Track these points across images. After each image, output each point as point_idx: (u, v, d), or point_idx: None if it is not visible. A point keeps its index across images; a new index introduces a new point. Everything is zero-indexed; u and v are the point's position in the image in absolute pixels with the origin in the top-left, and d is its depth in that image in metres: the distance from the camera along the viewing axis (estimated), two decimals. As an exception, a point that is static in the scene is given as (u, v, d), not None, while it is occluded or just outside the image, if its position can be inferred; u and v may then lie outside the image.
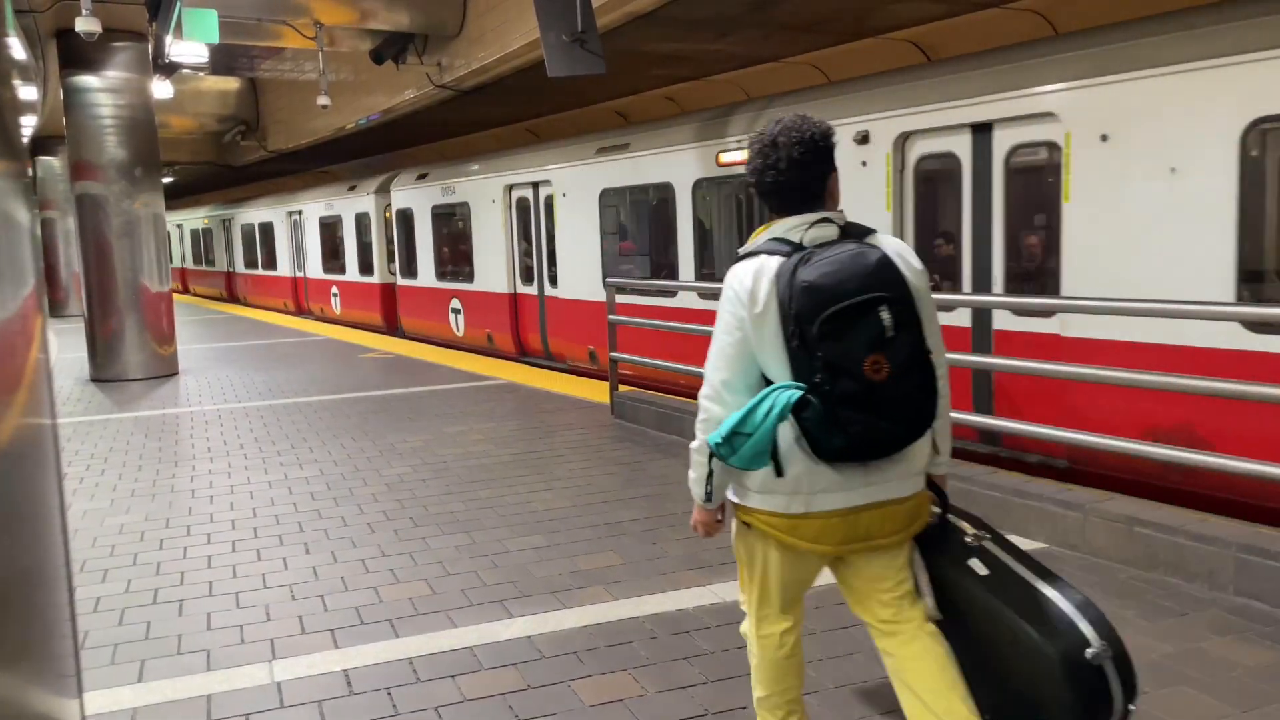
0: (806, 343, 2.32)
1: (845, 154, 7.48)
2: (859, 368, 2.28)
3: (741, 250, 2.54)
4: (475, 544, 5.10)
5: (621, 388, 8.44)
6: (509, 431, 7.89)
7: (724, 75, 13.08)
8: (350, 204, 18.94)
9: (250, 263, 26.31)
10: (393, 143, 20.82)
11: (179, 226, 33.85)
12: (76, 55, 11.47)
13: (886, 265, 2.35)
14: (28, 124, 19.69)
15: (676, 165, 10.04)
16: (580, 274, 11.76)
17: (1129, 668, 2.36)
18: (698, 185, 9.84)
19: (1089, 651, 2.31)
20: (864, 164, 7.65)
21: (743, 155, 7.57)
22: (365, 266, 18.56)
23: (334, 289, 20.22)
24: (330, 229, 20.11)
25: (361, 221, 18.53)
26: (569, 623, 4.04)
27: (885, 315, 2.30)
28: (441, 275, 15.37)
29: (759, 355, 2.43)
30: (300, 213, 21.80)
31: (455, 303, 14.91)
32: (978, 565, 2.48)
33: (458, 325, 14.83)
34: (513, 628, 4.01)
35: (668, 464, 6.66)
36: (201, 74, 18.43)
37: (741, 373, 2.45)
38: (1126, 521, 4.45)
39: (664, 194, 10.40)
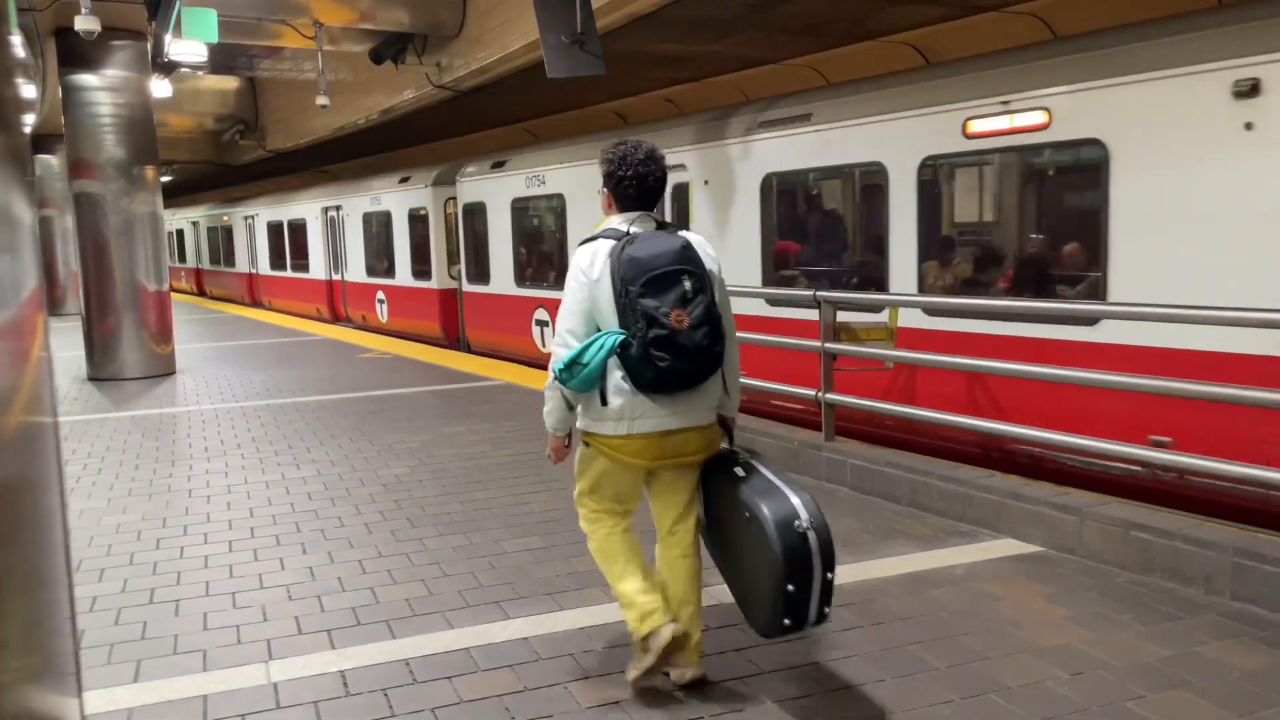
0: (630, 299, 3.16)
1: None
2: (666, 318, 3.13)
3: (584, 238, 3.41)
4: (472, 545, 5.10)
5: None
6: (507, 432, 7.89)
7: (723, 77, 13.10)
8: (402, 198, 16.34)
9: (277, 264, 23.47)
10: (393, 143, 20.82)
11: (194, 224, 31.15)
12: (75, 54, 11.46)
13: (688, 248, 3.27)
14: (26, 122, 19.67)
15: (891, 138, 7.45)
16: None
17: (829, 545, 3.11)
18: (927, 165, 7.23)
19: (797, 523, 3.08)
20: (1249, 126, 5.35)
21: (1004, 123, 6.62)
22: (421, 269, 15.97)
23: (380, 295, 17.51)
24: (376, 226, 17.49)
25: (416, 218, 15.99)
26: (566, 624, 4.03)
27: (687, 282, 3.19)
28: (524, 280, 12.91)
29: (595, 311, 3.27)
30: (339, 208, 19.07)
31: (542, 313, 12.27)
32: (739, 470, 3.32)
33: (546, 340, 12.23)
34: (509, 629, 4.00)
35: (665, 466, 6.65)
36: (200, 73, 18.43)
37: (582, 324, 3.29)
38: (1123, 525, 4.46)
39: (869, 178, 7.86)
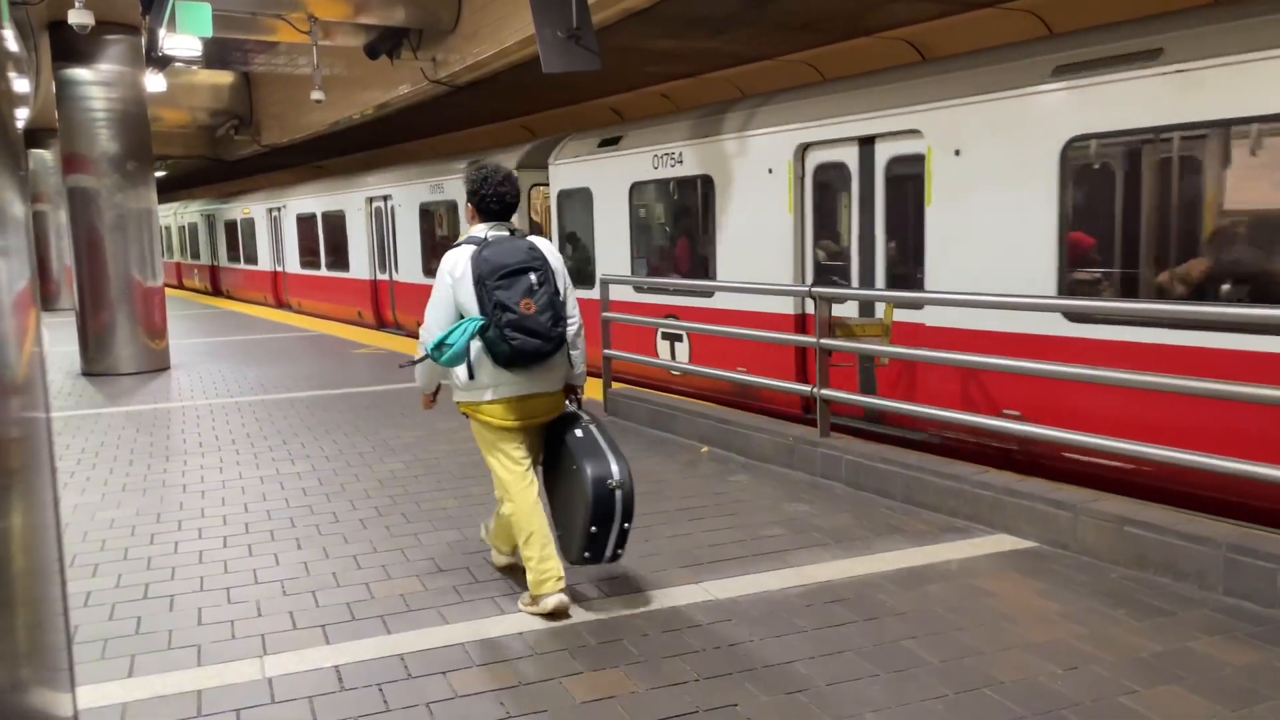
0: (487, 291, 3.93)
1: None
2: (517, 306, 3.91)
3: (454, 244, 4.18)
4: (467, 540, 5.10)
5: (614, 385, 8.44)
6: (502, 428, 7.88)
7: (719, 73, 13.10)
8: None
9: (308, 261, 20.85)
10: (388, 138, 20.78)
11: (209, 216, 28.50)
12: (69, 48, 11.41)
13: (534, 249, 4.05)
14: (20, 116, 19.62)
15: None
16: (979, 286, 6.75)
17: (631, 501, 4.00)
18: None
19: (609, 481, 3.95)
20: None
21: None
22: None
23: None
24: (439, 219, 15.23)
25: None
26: (560, 619, 4.04)
27: (532, 276, 3.97)
28: (649, 286, 9.96)
29: (460, 302, 4.05)
30: (387, 198, 16.67)
31: (672, 324, 8.55)
32: (579, 432, 4.16)
33: (678, 355, 9.65)
34: (504, 624, 4.01)
35: (660, 461, 6.66)
36: (195, 68, 18.39)
37: (444, 313, 4.08)
38: (1117, 521, 4.47)
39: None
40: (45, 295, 22.91)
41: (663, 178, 9.91)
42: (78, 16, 9.92)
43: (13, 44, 12.28)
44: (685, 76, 13.46)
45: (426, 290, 14.42)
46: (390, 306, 17.04)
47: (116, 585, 4.60)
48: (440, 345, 3.99)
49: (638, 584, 4.42)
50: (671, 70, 13.04)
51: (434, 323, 4.09)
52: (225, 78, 21.80)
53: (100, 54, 11.49)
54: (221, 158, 25.82)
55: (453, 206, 14.74)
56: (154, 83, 13.69)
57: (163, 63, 14.21)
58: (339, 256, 18.91)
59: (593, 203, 10.92)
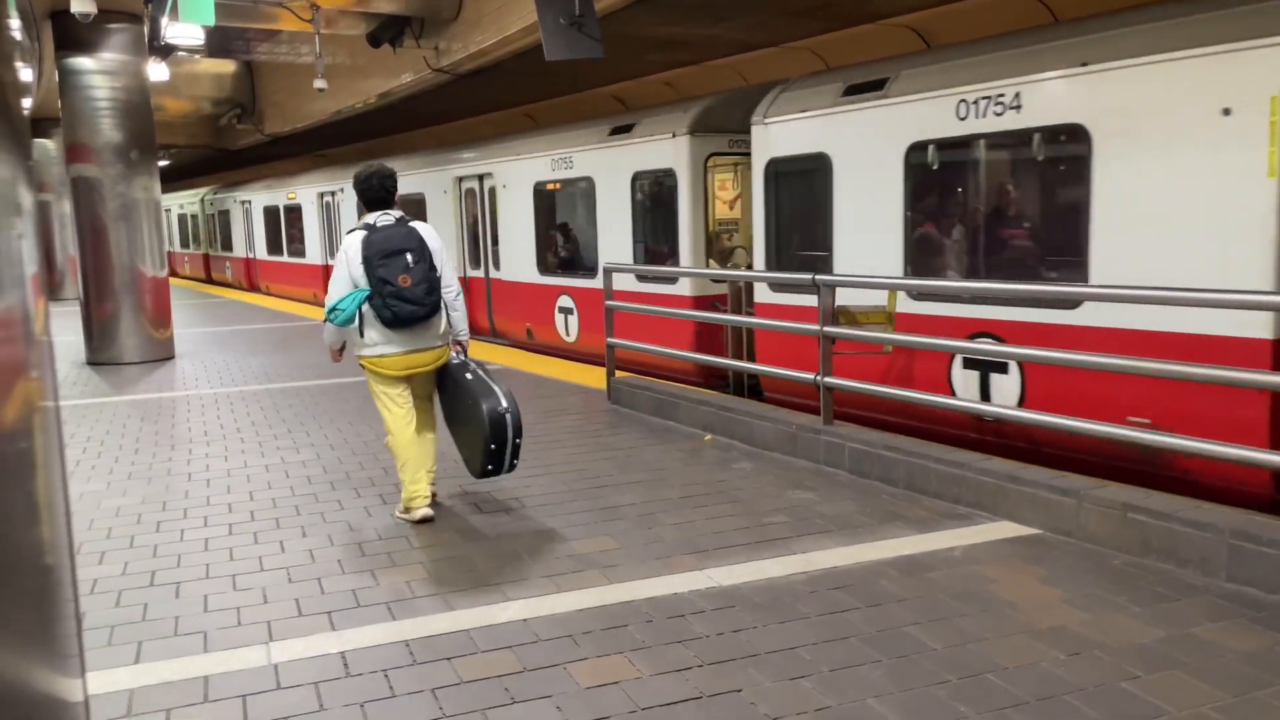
0: (374, 269, 4.92)
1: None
2: (396, 280, 4.90)
3: (349, 230, 5.17)
4: (472, 528, 5.12)
5: (618, 373, 8.45)
6: (505, 416, 7.89)
7: (723, 60, 13.06)
8: (621, 157, 10.59)
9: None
10: (391, 126, 20.75)
11: (244, 204, 24.69)
12: (72, 37, 11.39)
13: (412, 234, 5.04)
14: (25, 106, 19.61)
15: None
16: None
17: (519, 423, 5.05)
18: None
19: (500, 408, 4.97)
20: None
21: None
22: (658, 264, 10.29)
23: (563, 300, 11.82)
24: (565, 200, 12.06)
25: (646, 186, 10.45)
26: (565, 606, 4.05)
27: (409, 257, 4.95)
28: (970, 295, 6.67)
29: (353, 277, 5.01)
30: (482, 178, 13.42)
31: (990, 344, 6.35)
32: (469, 375, 5.20)
33: (1008, 393, 6.58)
34: (509, 611, 4.02)
35: (664, 449, 6.67)
36: (197, 56, 18.34)
37: (343, 286, 5.04)
38: (1121, 508, 4.47)
39: None
40: (50, 285, 22.95)
41: (974, 132, 6.69)
42: (80, 5, 9.90)
43: (17, 33, 12.27)
44: (689, 64, 13.42)
45: (545, 292, 11.96)
46: (490, 308, 13.60)
47: (123, 572, 4.62)
48: (333, 310, 5.01)
49: (642, 571, 4.43)
50: (674, 58, 13.00)
51: (334, 292, 5.07)
52: (228, 66, 21.76)
53: (103, 43, 11.48)
54: (225, 147, 25.81)
55: (586, 188, 11.27)
56: (157, 71, 13.66)
57: (165, 51, 14.19)
58: None
59: (831, 175, 7.75)
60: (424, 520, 5.15)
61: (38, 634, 1.18)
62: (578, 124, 11.91)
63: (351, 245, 5.01)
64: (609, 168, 10.74)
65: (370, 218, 5.11)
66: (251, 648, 3.75)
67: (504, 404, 4.97)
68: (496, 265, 13.38)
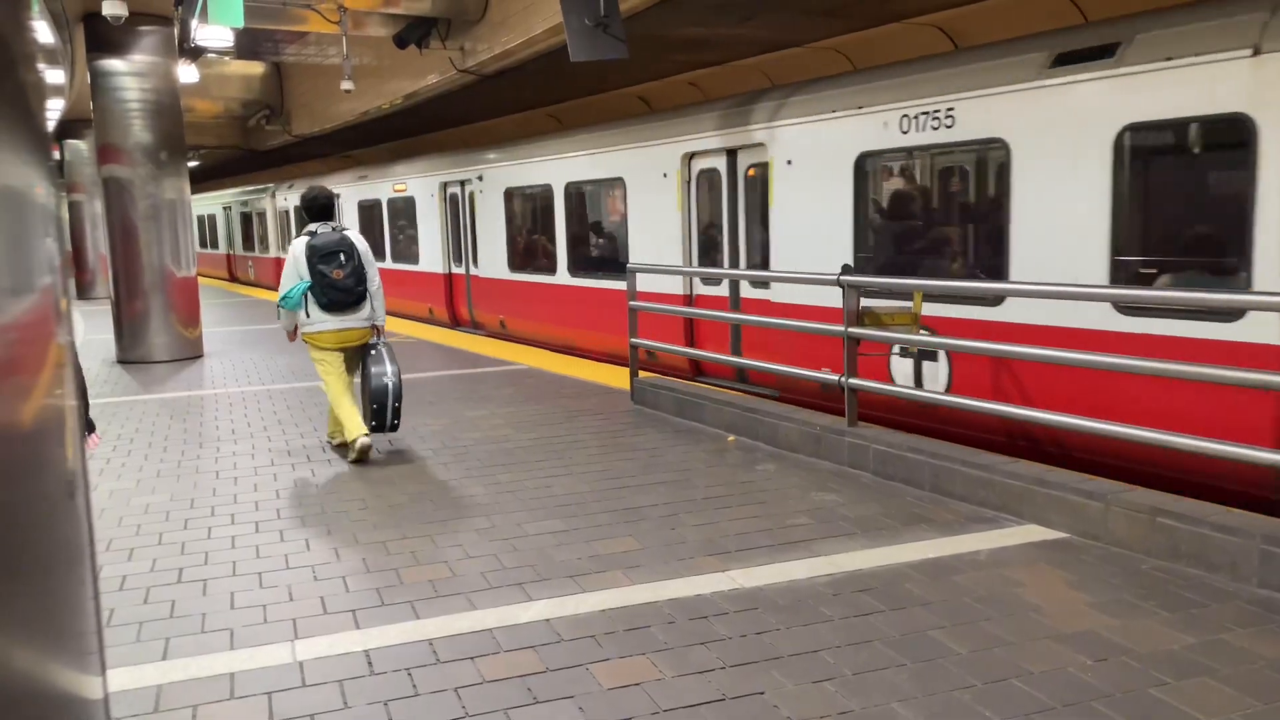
0: (314, 266, 6.50)
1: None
2: (331, 274, 6.50)
3: (296, 236, 6.75)
4: (495, 527, 5.13)
5: (641, 374, 8.44)
6: (529, 416, 7.92)
7: (748, 60, 13.01)
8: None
9: (524, 263, 13.34)
10: (416, 127, 20.84)
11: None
12: (103, 39, 11.54)
13: (344, 239, 6.60)
14: (55, 107, 19.87)
15: None
16: None
17: (399, 391, 6.58)
18: None
19: (385, 379, 6.54)
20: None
21: None
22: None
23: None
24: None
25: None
26: (588, 606, 4.06)
27: (341, 256, 6.54)
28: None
29: (300, 272, 6.55)
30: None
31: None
32: (374, 352, 6.72)
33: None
34: (532, 610, 4.03)
35: (687, 450, 6.66)
36: (227, 58, 18.51)
37: (291, 281, 6.59)
38: (1149, 512, 4.42)
39: None
40: (81, 284, 23.24)
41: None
42: (111, 8, 10.02)
43: (47, 35, 12.44)
44: (713, 64, 13.39)
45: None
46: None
47: (151, 569, 4.67)
48: (285, 297, 6.56)
49: (664, 572, 4.43)
50: (699, 58, 12.97)
51: (284, 284, 6.60)
52: (256, 68, 21.97)
53: (134, 45, 11.62)
54: (253, 148, 26.04)
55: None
56: (186, 73, 13.82)
57: (195, 53, 14.35)
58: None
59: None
60: (365, 449, 6.46)
61: (57, 631, 1.19)
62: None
63: (298, 248, 6.61)
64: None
65: (313, 227, 6.69)
66: (277, 645, 3.78)
67: (389, 376, 6.52)
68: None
